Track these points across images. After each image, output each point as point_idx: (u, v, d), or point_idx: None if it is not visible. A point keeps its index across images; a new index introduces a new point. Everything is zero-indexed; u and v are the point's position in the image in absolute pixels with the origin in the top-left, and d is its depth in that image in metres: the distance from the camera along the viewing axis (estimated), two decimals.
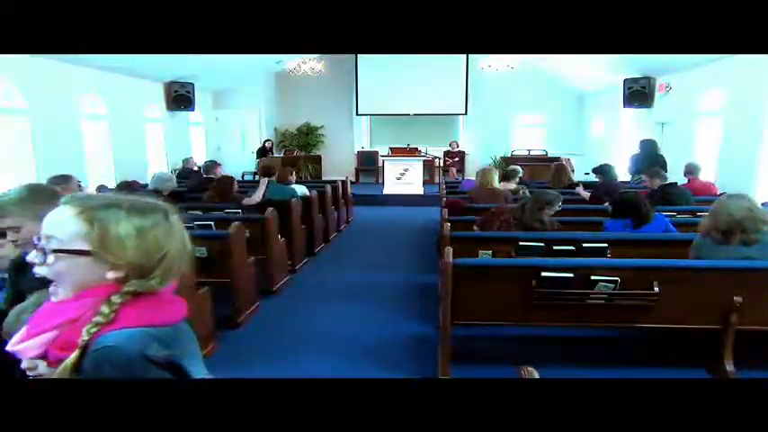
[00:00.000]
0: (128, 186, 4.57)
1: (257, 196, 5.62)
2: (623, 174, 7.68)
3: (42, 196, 1.70)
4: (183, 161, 8.91)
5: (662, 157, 7.47)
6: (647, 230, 3.89)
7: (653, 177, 5.48)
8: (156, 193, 5.15)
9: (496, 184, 5.51)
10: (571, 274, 3.02)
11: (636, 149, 7.71)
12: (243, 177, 11.12)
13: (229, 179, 5.80)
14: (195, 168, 8.67)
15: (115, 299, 1.01)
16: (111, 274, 1.02)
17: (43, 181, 6.51)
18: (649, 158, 7.49)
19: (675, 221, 4.63)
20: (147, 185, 5.51)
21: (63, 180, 4.22)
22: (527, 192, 5.95)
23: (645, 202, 4.00)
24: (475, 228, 4.21)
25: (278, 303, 4.76)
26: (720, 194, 5.76)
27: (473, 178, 7.88)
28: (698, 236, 3.29)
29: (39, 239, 1.02)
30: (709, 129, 7.68)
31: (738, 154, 6.72)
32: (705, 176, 6.44)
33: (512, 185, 5.97)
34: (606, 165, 6.36)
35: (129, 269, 1.03)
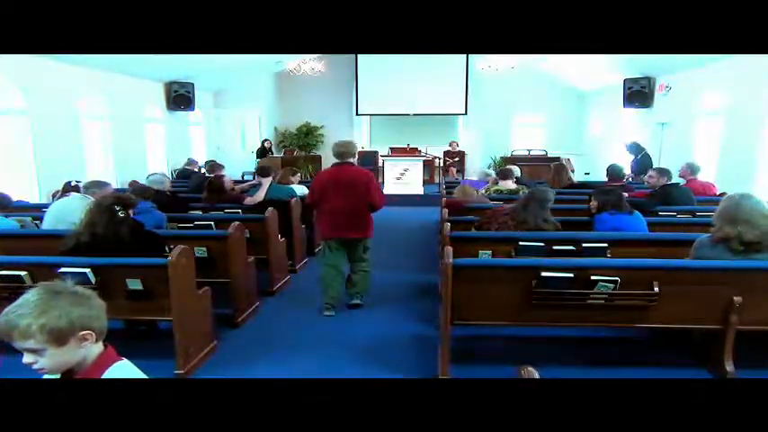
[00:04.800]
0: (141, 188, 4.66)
1: (259, 196, 5.62)
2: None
3: None
4: (186, 162, 8.92)
5: (649, 156, 7.87)
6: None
7: (661, 175, 5.41)
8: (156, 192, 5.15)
9: (474, 194, 5.44)
10: (571, 274, 3.02)
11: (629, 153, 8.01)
12: (243, 177, 11.11)
13: (219, 180, 5.74)
14: (195, 169, 8.67)
15: None
16: None
17: (43, 180, 6.52)
18: (641, 159, 7.95)
19: (675, 221, 4.64)
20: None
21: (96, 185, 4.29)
22: (527, 192, 5.93)
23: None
24: (473, 230, 4.21)
25: (278, 303, 4.75)
26: (721, 194, 5.76)
27: (472, 178, 7.85)
28: (705, 237, 3.20)
29: None
30: (710, 129, 7.67)
31: (738, 154, 6.71)
32: (705, 177, 6.43)
33: (510, 185, 5.96)
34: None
35: None
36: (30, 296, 1.30)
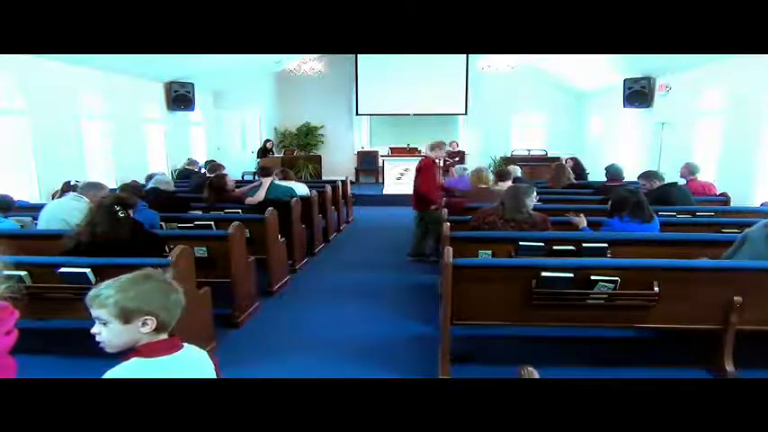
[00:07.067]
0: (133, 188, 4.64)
1: (259, 196, 5.62)
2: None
3: None
4: (187, 162, 8.91)
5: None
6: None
7: (649, 180, 5.40)
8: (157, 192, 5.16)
9: (490, 183, 5.59)
10: (571, 274, 3.02)
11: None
12: (243, 177, 11.11)
13: (221, 179, 5.77)
14: (196, 169, 8.66)
15: None
16: None
17: (43, 180, 6.52)
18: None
19: (675, 221, 4.63)
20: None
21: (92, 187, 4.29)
22: None
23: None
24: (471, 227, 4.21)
25: (278, 303, 4.75)
26: (721, 194, 5.78)
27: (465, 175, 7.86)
28: (762, 223, 3.23)
29: None
30: (710, 129, 7.67)
31: (738, 154, 6.71)
32: (705, 177, 6.42)
33: (508, 185, 5.93)
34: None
35: None
36: (125, 276, 1.43)
